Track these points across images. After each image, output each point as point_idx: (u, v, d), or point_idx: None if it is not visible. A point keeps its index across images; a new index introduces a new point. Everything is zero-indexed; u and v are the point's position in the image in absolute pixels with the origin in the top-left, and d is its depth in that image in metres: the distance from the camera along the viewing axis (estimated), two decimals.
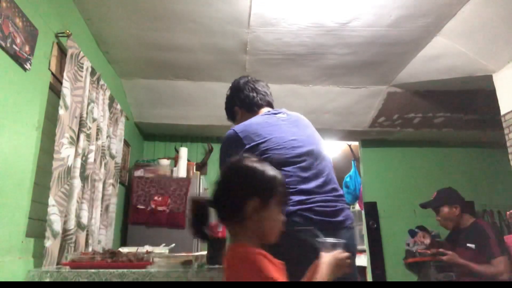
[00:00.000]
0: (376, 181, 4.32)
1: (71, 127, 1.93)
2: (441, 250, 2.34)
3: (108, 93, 2.54)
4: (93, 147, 2.21)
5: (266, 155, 1.41)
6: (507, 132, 2.73)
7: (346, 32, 2.55)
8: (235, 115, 1.73)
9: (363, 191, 4.41)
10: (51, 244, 1.72)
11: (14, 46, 1.56)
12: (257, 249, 0.93)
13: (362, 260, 4.19)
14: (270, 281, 0.87)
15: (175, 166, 3.51)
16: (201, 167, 4.08)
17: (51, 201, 1.75)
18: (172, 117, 3.79)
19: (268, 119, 1.55)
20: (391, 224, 4.14)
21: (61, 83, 1.94)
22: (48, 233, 1.71)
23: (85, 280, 1.48)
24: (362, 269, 4.17)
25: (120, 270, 1.51)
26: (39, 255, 1.73)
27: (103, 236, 2.46)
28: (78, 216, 2.03)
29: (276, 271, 0.89)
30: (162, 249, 2.11)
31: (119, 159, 2.80)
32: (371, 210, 4.20)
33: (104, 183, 2.48)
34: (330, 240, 1.11)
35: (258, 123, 1.51)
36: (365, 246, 4.13)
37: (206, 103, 3.56)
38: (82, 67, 2.07)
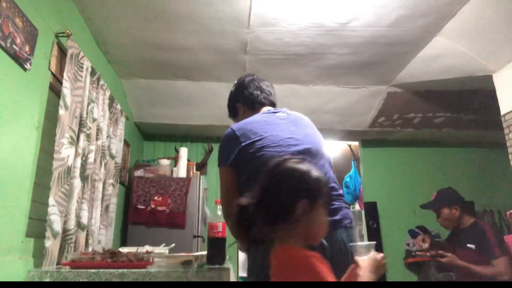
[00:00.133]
0: (376, 181, 4.32)
1: (71, 127, 1.93)
2: (440, 252, 2.34)
3: (108, 93, 2.54)
4: (93, 147, 2.21)
5: (261, 153, 1.40)
6: (507, 132, 2.73)
7: (346, 32, 2.55)
8: (237, 111, 1.73)
9: (363, 191, 4.41)
10: (51, 244, 1.71)
11: (14, 46, 1.56)
12: (311, 252, 0.92)
13: None
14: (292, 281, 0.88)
15: (175, 166, 3.51)
16: (201, 167, 4.08)
17: (51, 201, 1.75)
18: (172, 117, 3.80)
19: (267, 117, 1.54)
20: (391, 224, 4.14)
21: (61, 83, 1.94)
22: (48, 233, 1.71)
23: (85, 280, 1.48)
24: None
25: (120, 270, 1.51)
26: (39, 255, 1.73)
27: (103, 236, 2.46)
28: (78, 216, 2.03)
29: (329, 273, 0.89)
30: (162, 249, 2.11)
31: (119, 159, 2.80)
32: (371, 210, 4.20)
33: (104, 183, 2.48)
34: (362, 243, 1.11)
35: (256, 121, 1.51)
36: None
37: (206, 103, 3.56)
38: (82, 67, 2.07)
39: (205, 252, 1.67)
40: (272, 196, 0.97)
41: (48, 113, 1.89)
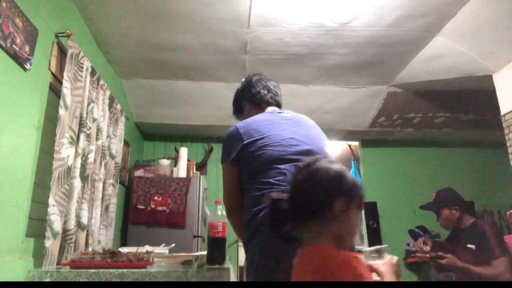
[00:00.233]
0: (376, 181, 4.32)
1: (71, 127, 1.93)
2: (440, 253, 2.33)
3: (108, 93, 2.54)
4: (93, 147, 2.21)
5: (261, 151, 1.40)
6: (507, 132, 2.73)
7: (346, 32, 2.55)
8: (242, 109, 1.74)
9: None
10: (51, 244, 1.72)
11: (14, 46, 1.56)
12: (352, 253, 0.90)
13: None
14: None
15: (175, 166, 3.51)
16: (201, 167, 4.08)
17: (51, 201, 1.75)
18: (172, 117, 3.80)
19: (271, 117, 1.55)
20: (391, 224, 4.15)
21: (61, 83, 1.94)
22: (48, 233, 1.71)
23: (85, 280, 1.48)
24: None
25: (120, 270, 1.51)
26: (39, 255, 1.73)
27: (103, 236, 2.46)
28: (78, 216, 2.03)
29: (369, 273, 0.89)
30: (162, 249, 2.11)
31: (119, 159, 2.80)
32: (371, 210, 4.20)
33: (104, 183, 2.48)
34: (374, 248, 1.07)
35: (260, 120, 1.52)
36: (365, 246, 4.13)
37: (206, 103, 3.56)
38: (82, 67, 2.07)
39: (205, 252, 1.67)
40: (309, 193, 0.95)
41: (48, 113, 1.89)
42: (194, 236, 3.17)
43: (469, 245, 2.33)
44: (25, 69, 1.67)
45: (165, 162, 3.48)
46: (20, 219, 1.64)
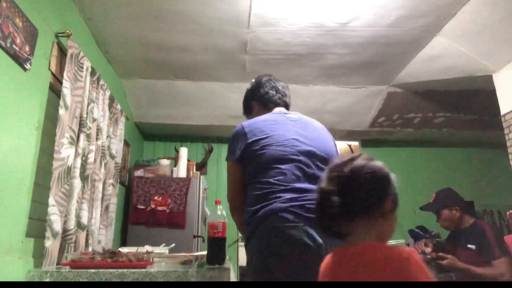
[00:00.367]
0: None
1: (71, 127, 1.93)
2: (440, 254, 2.33)
3: (108, 93, 2.54)
4: (93, 147, 2.21)
5: (264, 151, 1.42)
6: (507, 132, 2.73)
7: (346, 32, 2.55)
8: (251, 109, 1.75)
9: None
10: (51, 244, 1.71)
11: (14, 46, 1.56)
12: (409, 248, 0.92)
13: None
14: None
15: (175, 166, 3.51)
16: (201, 167, 4.08)
17: (51, 201, 1.75)
18: (172, 117, 3.80)
19: (277, 117, 1.56)
20: None
21: (61, 83, 1.94)
22: (48, 233, 1.71)
23: (85, 280, 1.48)
24: None
25: (120, 270, 1.51)
26: (39, 255, 1.73)
27: (103, 236, 2.46)
28: (78, 216, 2.03)
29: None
30: (162, 249, 2.11)
31: (119, 159, 2.80)
32: None
33: (104, 183, 2.48)
34: (392, 243, 1.10)
35: (265, 120, 1.53)
36: None
37: (206, 103, 3.56)
38: (82, 67, 2.07)
39: (205, 252, 1.67)
40: (363, 188, 0.94)
41: (48, 113, 1.89)
42: (194, 236, 3.17)
43: (469, 246, 2.33)
44: (25, 69, 1.67)
45: (165, 162, 3.48)
46: (20, 219, 1.64)
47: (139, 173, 3.37)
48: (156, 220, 3.16)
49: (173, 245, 2.24)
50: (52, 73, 1.94)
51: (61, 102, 1.86)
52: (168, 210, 3.19)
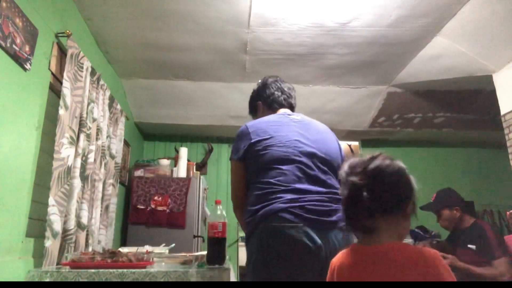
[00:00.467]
0: None
1: (71, 127, 1.93)
2: (441, 254, 2.33)
3: (108, 93, 2.54)
4: (93, 147, 2.21)
5: (266, 151, 1.43)
6: (507, 132, 2.73)
7: (346, 32, 2.55)
8: (257, 110, 1.77)
9: None
10: (51, 244, 1.72)
11: (14, 46, 1.56)
12: (434, 249, 0.92)
13: None
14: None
15: (175, 166, 3.51)
16: (201, 167, 4.08)
17: (51, 201, 1.75)
18: (172, 117, 3.80)
19: (281, 118, 1.57)
20: None
21: (61, 83, 1.94)
22: (48, 233, 1.71)
23: (85, 280, 1.48)
24: None
25: (120, 270, 1.51)
26: (39, 255, 1.73)
27: (103, 236, 2.46)
28: (78, 216, 2.03)
29: None
30: (162, 249, 2.11)
31: (119, 159, 2.80)
32: None
33: (104, 183, 2.48)
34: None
35: (269, 121, 1.55)
36: None
37: (206, 103, 3.56)
38: (82, 67, 2.07)
39: (205, 252, 1.67)
40: (394, 186, 0.95)
41: (48, 113, 1.89)
42: (194, 236, 3.17)
43: (469, 246, 2.33)
44: (25, 69, 1.67)
45: (165, 162, 3.48)
46: (20, 219, 1.64)
47: (139, 173, 3.37)
48: (156, 220, 3.16)
49: (173, 245, 2.24)
50: (52, 73, 1.94)
51: (61, 102, 1.86)
52: (168, 210, 3.19)
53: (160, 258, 1.78)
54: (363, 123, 3.95)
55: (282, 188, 1.35)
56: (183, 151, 3.54)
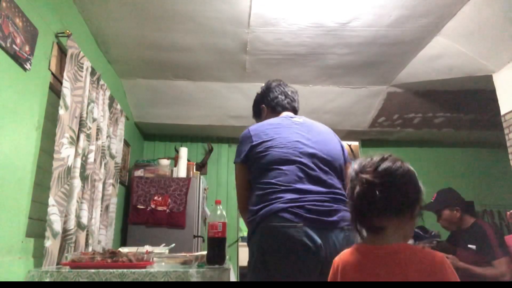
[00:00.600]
0: None
1: (71, 127, 1.93)
2: None
3: (108, 93, 2.54)
4: (93, 147, 2.21)
5: (267, 153, 1.45)
6: (507, 132, 2.73)
7: (346, 32, 2.55)
8: (261, 113, 1.79)
9: None
10: (51, 244, 1.71)
11: (14, 46, 1.56)
12: (443, 254, 0.93)
13: None
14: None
15: (175, 166, 3.51)
16: (201, 167, 4.08)
17: (51, 201, 1.75)
18: (172, 117, 3.80)
19: (282, 121, 1.59)
20: None
21: (61, 83, 1.94)
22: (48, 233, 1.71)
23: (85, 280, 1.48)
24: None
25: (120, 270, 1.51)
26: (39, 255, 1.73)
27: (103, 236, 2.46)
28: (78, 216, 2.03)
29: None
30: (162, 249, 2.11)
31: (119, 159, 2.80)
32: None
33: (104, 183, 2.48)
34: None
35: (270, 123, 1.57)
36: None
37: (206, 103, 3.56)
38: (82, 67, 2.07)
39: (205, 252, 1.67)
40: (405, 187, 0.96)
41: (48, 113, 1.89)
42: (194, 236, 3.17)
43: (470, 246, 2.33)
44: (25, 69, 1.67)
45: (165, 162, 3.48)
46: (20, 219, 1.64)
47: (139, 173, 3.37)
48: (156, 220, 3.16)
49: (173, 245, 2.24)
50: (52, 73, 1.94)
51: (61, 102, 1.86)
52: (168, 210, 3.19)
53: (160, 258, 1.78)
54: (363, 123, 3.95)
55: (283, 188, 1.36)
56: (183, 151, 3.54)
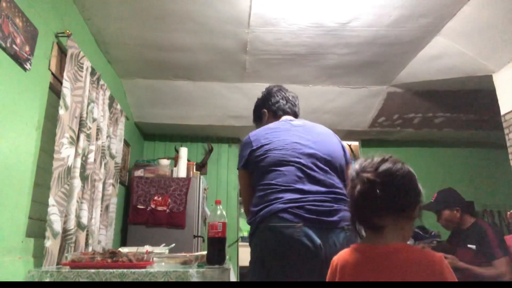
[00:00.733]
0: None
1: (71, 127, 1.93)
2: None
3: (108, 93, 2.54)
4: (93, 147, 2.21)
5: (266, 155, 1.47)
6: (507, 132, 2.73)
7: (346, 32, 2.55)
8: (262, 117, 1.81)
9: None
10: (51, 244, 1.71)
11: (14, 46, 1.56)
12: (442, 254, 0.94)
13: None
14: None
15: (175, 166, 3.51)
16: (201, 167, 4.08)
17: (51, 201, 1.75)
18: (172, 117, 3.80)
19: (282, 125, 1.61)
20: None
21: (61, 83, 1.94)
22: (48, 233, 1.71)
23: (85, 280, 1.48)
24: None
25: (120, 270, 1.51)
26: (39, 255, 1.73)
27: (103, 236, 2.46)
28: (78, 216, 2.03)
29: None
30: (162, 249, 2.11)
31: (119, 159, 2.80)
32: None
33: (104, 183, 2.48)
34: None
35: (270, 128, 1.59)
36: None
37: (206, 103, 3.56)
38: (82, 67, 2.07)
39: (205, 252, 1.67)
40: (405, 188, 0.96)
41: (48, 113, 1.89)
42: (194, 236, 3.17)
43: (470, 245, 2.33)
44: (25, 69, 1.67)
45: (165, 162, 3.48)
46: (20, 219, 1.64)
47: (139, 173, 3.36)
48: (156, 220, 3.16)
49: (173, 245, 2.24)
50: (52, 73, 1.94)
51: (61, 102, 1.86)
52: (168, 210, 3.19)
53: (160, 258, 1.78)
54: (363, 123, 3.95)
55: (282, 188, 1.37)
56: (183, 151, 3.54)
